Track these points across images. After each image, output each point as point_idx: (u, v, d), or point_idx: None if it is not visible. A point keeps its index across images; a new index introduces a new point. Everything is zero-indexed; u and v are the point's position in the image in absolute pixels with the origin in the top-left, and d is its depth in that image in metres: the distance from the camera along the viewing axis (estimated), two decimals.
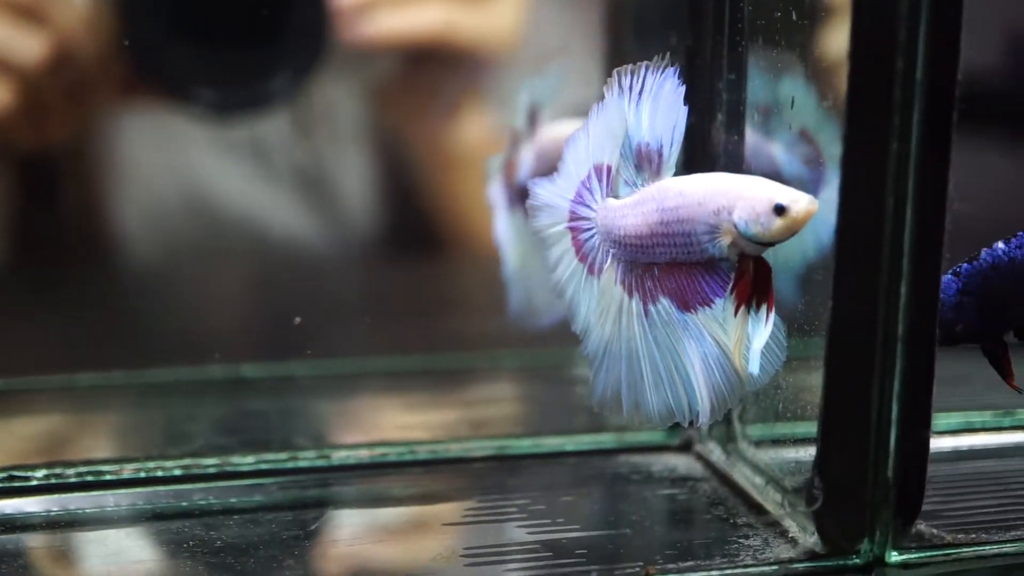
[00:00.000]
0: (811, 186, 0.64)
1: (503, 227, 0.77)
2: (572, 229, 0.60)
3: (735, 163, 0.70)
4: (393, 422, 0.84)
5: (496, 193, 0.77)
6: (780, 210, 0.56)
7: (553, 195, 0.60)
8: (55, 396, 0.84)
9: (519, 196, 0.75)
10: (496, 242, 0.77)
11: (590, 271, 0.60)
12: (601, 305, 0.59)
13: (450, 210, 0.93)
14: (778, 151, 0.69)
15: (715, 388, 0.58)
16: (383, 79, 0.92)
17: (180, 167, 0.90)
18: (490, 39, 0.90)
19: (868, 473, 0.59)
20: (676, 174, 0.58)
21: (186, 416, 0.80)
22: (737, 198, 0.56)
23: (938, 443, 0.76)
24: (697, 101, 0.71)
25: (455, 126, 0.92)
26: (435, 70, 0.91)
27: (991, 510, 0.66)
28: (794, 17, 0.64)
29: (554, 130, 0.75)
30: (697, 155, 0.71)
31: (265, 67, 0.86)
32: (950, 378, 0.64)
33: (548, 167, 0.61)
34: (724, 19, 0.70)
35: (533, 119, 0.77)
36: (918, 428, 0.59)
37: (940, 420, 0.78)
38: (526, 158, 0.76)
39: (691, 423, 0.59)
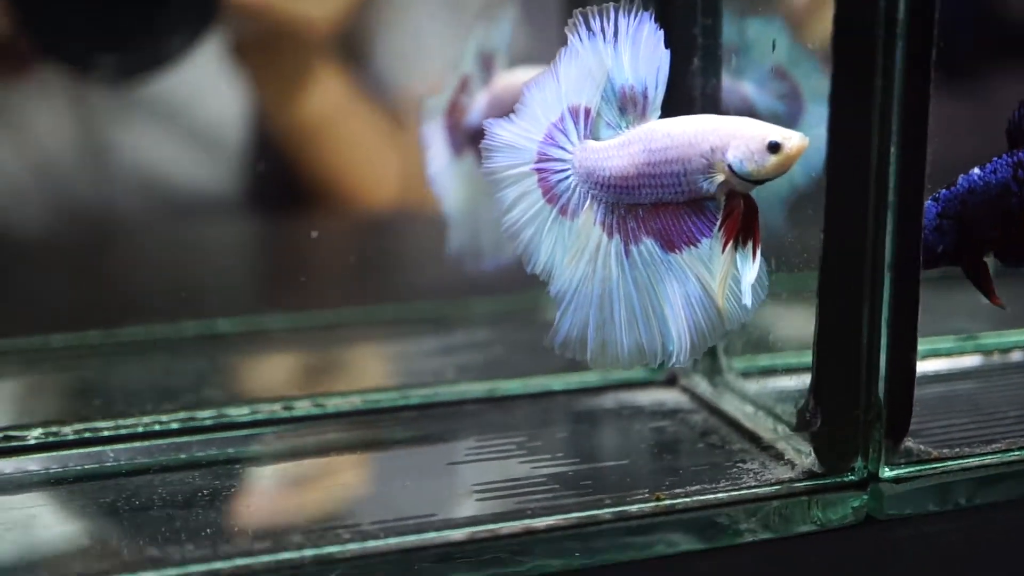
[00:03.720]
0: (788, 121, 0.66)
1: (439, 167, 0.76)
2: (540, 170, 0.60)
3: (714, 108, 0.72)
4: (380, 370, 0.85)
5: (433, 133, 0.76)
6: (774, 147, 0.57)
7: (516, 135, 0.59)
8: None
9: (468, 139, 0.75)
10: (431, 182, 0.76)
11: (562, 212, 0.60)
12: (576, 246, 0.59)
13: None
14: (751, 90, 0.71)
15: (696, 327, 0.59)
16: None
17: (79, 136, 0.90)
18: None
19: (861, 396, 0.62)
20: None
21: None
22: (730, 137, 0.58)
23: None
24: (673, 46, 0.73)
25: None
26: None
27: (968, 427, 0.70)
28: None
29: (510, 77, 0.76)
30: (674, 100, 0.72)
31: (160, 29, 0.86)
32: None
33: (502, 113, 0.61)
34: None
35: (487, 65, 0.77)
36: (905, 351, 0.62)
37: None
38: (479, 103, 0.76)
39: (661, 364, 0.60)
